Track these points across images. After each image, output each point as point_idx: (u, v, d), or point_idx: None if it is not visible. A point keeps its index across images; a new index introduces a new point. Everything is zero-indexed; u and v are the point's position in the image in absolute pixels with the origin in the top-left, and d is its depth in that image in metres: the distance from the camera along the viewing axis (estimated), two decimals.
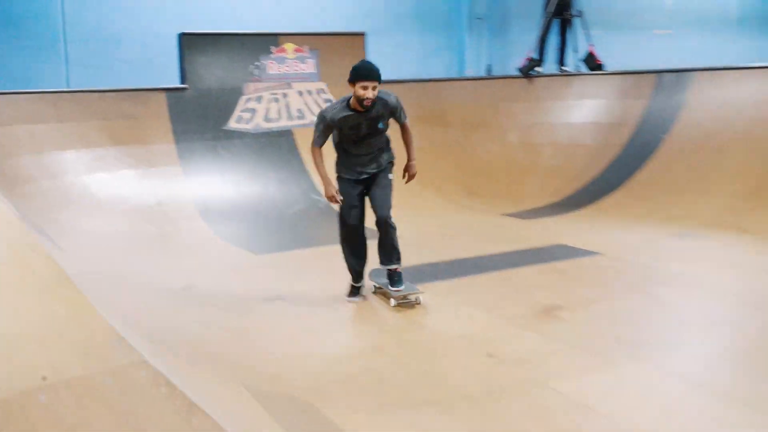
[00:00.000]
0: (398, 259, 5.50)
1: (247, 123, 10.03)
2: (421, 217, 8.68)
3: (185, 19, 12.17)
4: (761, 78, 9.14)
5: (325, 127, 5.30)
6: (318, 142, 5.36)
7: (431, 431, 3.53)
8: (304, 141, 10.03)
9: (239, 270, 6.82)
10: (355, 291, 5.76)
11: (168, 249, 7.50)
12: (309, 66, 10.76)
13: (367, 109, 5.19)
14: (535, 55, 11.70)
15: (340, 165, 5.60)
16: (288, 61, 10.58)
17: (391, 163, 5.63)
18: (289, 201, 9.23)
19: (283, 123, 10.23)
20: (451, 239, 7.85)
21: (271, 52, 10.43)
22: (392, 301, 5.36)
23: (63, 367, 2.07)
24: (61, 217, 7.63)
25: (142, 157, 9.09)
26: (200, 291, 6.03)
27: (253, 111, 10.15)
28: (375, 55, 11.27)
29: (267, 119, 10.20)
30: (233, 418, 2.54)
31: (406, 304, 5.34)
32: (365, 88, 5.07)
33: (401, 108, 5.50)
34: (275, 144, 10.00)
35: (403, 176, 5.65)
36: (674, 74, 10.03)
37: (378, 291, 5.72)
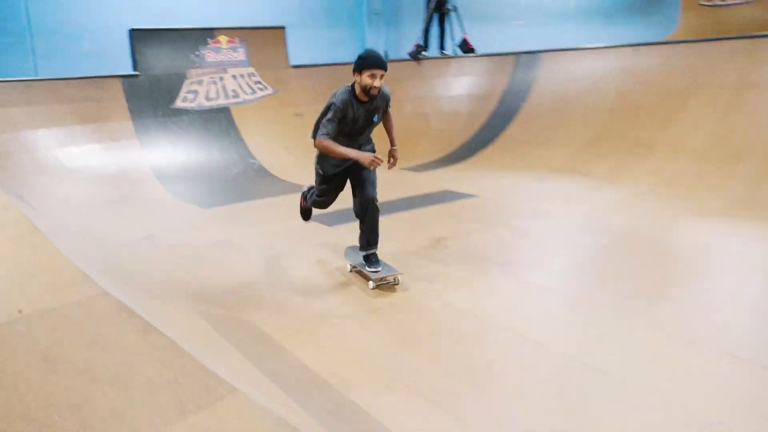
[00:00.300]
0: (376, 243, 4.49)
1: (191, 102, 9.71)
2: None
3: (135, 15, 11.79)
4: (592, 56, 9.35)
5: (333, 116, 4.10)
6: (329, 133, 4.11)
7: (347, 336, 3.54)
8: (240, 115, 9.83)
9: (191, 221, 6.60)
10: (307, 215, 5.32)
11: (130, 208, 7.19)
12: (240, 54, 10.47)
13: (372, 99, 4.18)
14: (421, 42, 11.66)
15: (322, 160, 4.51)
16: (222, 51, 10.28)
17: (373, 152, 4.52)
18: (230, 164, 8.99)
19: (221, 101, 9.95)
20: None
21: (208, 44, 10.11)
22: (371, 284, 4.32)
23: (36, 301, 1.94)
24: (36, 184, 7.21)
25: (105, 133, 8.69)
26: (158, 239, 5.81)
27: (195, 92, 9.83)
28: (293, 45, 11.05)
29: (208, 99, 9.89)
30: (184, 334, 2.47)
31: (385, 285, 4.34)
32: (373, 76, 4.04)
33: (390, 100, 4.48)
34: (215, 119, 9.71)
35: (388, 160, 4.53)
36: (528, 55, 10.16)
37: (353, 270, 4.71)
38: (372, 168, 4.16)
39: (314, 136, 4.23)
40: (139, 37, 9.55)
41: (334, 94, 4.18)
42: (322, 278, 4.63)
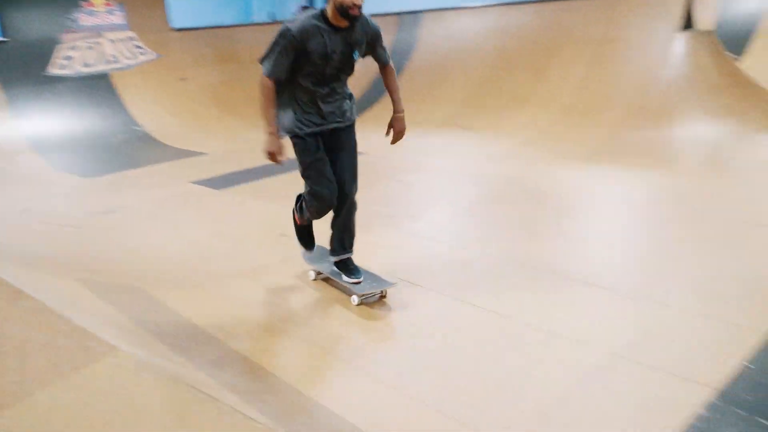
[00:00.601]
0: (352, 245, 3.52)
1: (67, 69, 9.13)
2: (224, 135, 8.44)
3: None
4: (471, 15, 9.58)
5: (287, 46, 2.91)
6: (273, 70, 2.96)
7: (233, 292, 3.55)
8: (121, 81, 9.36)
9: (73, 192, 6.29)
10: (308, 242, 3.71)
11: (4, 182, 6.74)
12: (118, 18, 9.90)
13: (352, 23, 3.00)
14: (306, 4, 11.51)
15: (294, 116, 3.18)
16: (98, 14, 9.69)
17: (352, 111, 3.35)
18: (113, 132, 8.57)
19: (100, 67, 9.41)
20: (250, 152, 7.66)
21: (81, 6, 9.47)
22: (354, 299, 3.35)
23: None
24: None
25: None
26: (38, 212, 5.50)
27: (70, 58, 9.24)
28: (175, 8, 10.57)
29: (85, 65, 9.33)
30: (61, 299, 2.41)
31: (371, 298, 3.39)
32: None
33: (382, 39, 3.26)
34: (95, 86, 9.19)
35: (387, 132, 3.39)
36: (411, 15, 10.25)
37: (319, 278, 3.71)
38: (272, 161, 3.16)
39: (260, 61, 3.05)
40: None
41: (292, 20, 3.01)
42: (208, 240, 4.59)
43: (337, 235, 3.46)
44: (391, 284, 3.43)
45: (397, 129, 3.37)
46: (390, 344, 3.00)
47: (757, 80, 7.48)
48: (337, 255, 3.48)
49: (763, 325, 2.93)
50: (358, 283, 3.40)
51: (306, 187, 3.32)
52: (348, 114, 3.29)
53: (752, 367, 2.59)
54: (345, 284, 3.45)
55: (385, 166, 6.62)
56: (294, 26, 2.92)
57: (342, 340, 3.00)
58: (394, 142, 3.42)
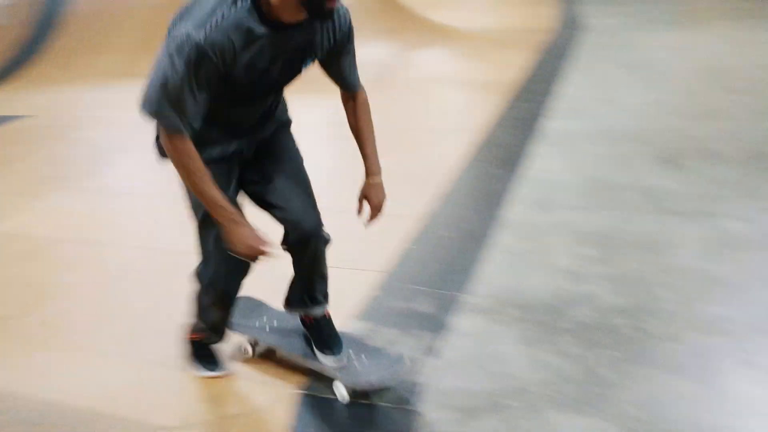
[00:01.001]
0: (326, 295, 2.14)
1: None
2: None
3: None
4: None
5: (199, 74, 1.53)
6: (184, 120, 1.58)
7: None
8: None
9: None
10: (210, 358, 2.24)
11: None
12: None
13: (315, 21, 1.66)
14: None
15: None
16: None
17: (287, 133, 2.04)
18: None
19: None
20: None
21: None
22: (342, 394, 2.04)
23: None
24: None
25: None
26: None
27: None
28: None
29: None
30: None
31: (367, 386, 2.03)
32: None
33: (353, 44, 1.86)
34: None
35: (360, 209, 2.06)
36: None
37: (259, 351, 2.31)
38: (250, 260, 1.82)
39: (151, 110, 1.60)
40: None
41: (191, 17, 1.55)
42: None
43: (303, 281, 2.10)
44: (403, 362, 2.09)
45: (375, 203, 2.04)
46: (89, 310, 2.84)
47: (409, 7, 8.45)
48: (304, 309, 2.14)
49: (420, 212, 3.43)
50: (343, 366, 2.08)
51: (201, 255, 1.97)
52: (278, 113, 1.98)
53: (414, 247, 3.04)
54: (322, 366, 2.10)
55: (57, 126, 6.05)
56: (205, 35, 1.52)
57: (32, 323, 2.76)
58: (372, 219, 2.06)
